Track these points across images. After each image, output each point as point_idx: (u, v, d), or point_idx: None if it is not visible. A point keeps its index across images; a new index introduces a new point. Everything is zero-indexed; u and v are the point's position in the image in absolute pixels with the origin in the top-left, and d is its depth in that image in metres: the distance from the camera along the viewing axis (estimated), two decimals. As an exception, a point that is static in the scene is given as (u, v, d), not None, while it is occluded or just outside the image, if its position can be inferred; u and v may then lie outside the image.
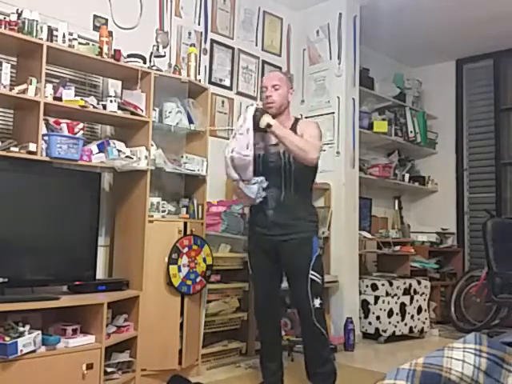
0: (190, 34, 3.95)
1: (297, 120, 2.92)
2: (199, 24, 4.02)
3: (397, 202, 5.86)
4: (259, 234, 2.84)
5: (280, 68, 4.64)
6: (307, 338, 2.80)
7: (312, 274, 2.71)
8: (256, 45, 4.47)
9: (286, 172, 2.76)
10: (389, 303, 4.41)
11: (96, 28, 3.27)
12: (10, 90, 2.61)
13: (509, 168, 5.53)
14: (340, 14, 4.54)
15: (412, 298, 4.59)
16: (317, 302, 2.71)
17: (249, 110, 2.71)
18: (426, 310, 4.70)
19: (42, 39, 2.67)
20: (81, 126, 2.92)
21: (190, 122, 3.41)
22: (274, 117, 2.75)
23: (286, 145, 2.69)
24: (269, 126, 2.68)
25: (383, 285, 4.42)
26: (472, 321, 5.02)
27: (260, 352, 3.02)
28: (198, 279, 3.20)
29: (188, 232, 3.21)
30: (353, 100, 4.59)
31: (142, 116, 3.08)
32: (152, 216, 3.10)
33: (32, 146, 2.61)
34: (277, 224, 2.75)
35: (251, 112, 2.69)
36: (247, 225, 3.11)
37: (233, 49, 4.27)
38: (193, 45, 3.84)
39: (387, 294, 4.41)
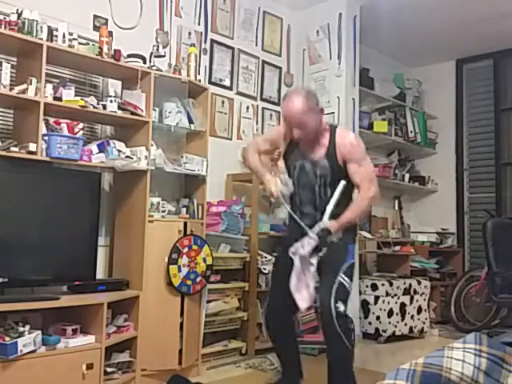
0: (189, 34, 3.94)
1: (331, 133, 2.65)
2: (199, 24, 4.02)
3: (397, 202, 5.85)
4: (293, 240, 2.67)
5: (280, 68, 4.64)
6: (328, 348, 2.57)
7: (342, 277, 2.55)
8: (256, 45, 4.47)
9: (322, 195, 2.67)
10: (389, 303, 4.40)
11: (96, 28, 3.27)
12: (10, 90, 2.61)
13: (509, 168, 5.53)
14: (340, 13, 4.54)
15: (412, 298, 4.59)
16: (340, 307, 2.46)
17: (312, 242, 2.56)
18: (426, 310, 4.70)
19: (42, 39, 2.67)
20: (81, 125, 2.92)
21: (190, 122, 3.41)
22: (311, 141, 2.65)
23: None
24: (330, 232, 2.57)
25: (383, 285, 4.42)
26: (472, 321, 5.02)
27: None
28: (198, 279, 3.20)
29: (188, 232, 3.21)
30: (353, 100, 4.59)
31: (142, 116, 3.08)
32: (152, 216, 3.10)
33: (32, 146, 2.61)
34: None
35: (314, 242, 2.56)
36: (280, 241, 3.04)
37: (233, 49, 4.27)
38: (193, 45, 3.84)
39: (387, 294, 4.40)
